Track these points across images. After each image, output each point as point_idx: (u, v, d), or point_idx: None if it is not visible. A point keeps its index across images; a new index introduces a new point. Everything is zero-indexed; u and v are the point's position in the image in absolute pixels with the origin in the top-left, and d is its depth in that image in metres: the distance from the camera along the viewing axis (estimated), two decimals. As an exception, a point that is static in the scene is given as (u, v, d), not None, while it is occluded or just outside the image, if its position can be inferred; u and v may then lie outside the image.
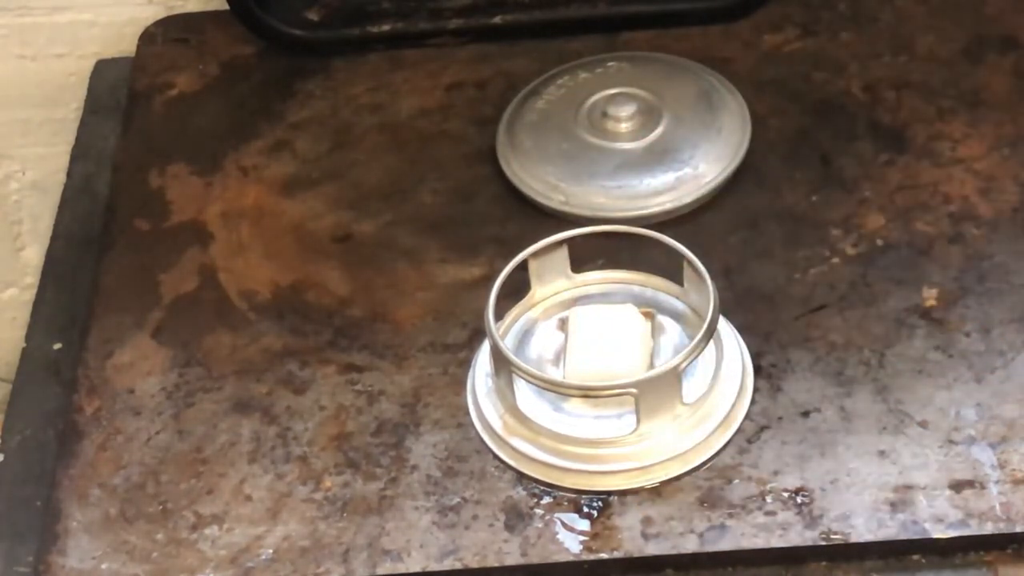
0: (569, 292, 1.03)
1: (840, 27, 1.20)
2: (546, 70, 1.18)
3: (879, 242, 1.05)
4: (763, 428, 0.96)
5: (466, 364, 1.01)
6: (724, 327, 0.99)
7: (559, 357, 0.98)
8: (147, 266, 1.10)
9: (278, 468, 0.97)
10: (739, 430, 0.95)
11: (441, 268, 1.07)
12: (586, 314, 0.99)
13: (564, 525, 0.93)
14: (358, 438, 0.98)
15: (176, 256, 1.11)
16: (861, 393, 0.97)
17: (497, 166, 1.13)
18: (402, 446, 0.97)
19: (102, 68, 1.32)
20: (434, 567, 0.92)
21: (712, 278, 0.96)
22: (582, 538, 0.92)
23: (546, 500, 0.94)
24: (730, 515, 0.92)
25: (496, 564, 0.91)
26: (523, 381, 0.95)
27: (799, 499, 0.92)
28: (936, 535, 0.90)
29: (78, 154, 1.25)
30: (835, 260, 1.04)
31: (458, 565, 0.91)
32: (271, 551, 0.93)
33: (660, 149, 1.11)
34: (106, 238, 1.13)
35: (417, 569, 0.92)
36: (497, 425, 0.97)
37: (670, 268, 1.01)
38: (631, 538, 0.92)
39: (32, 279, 1.39)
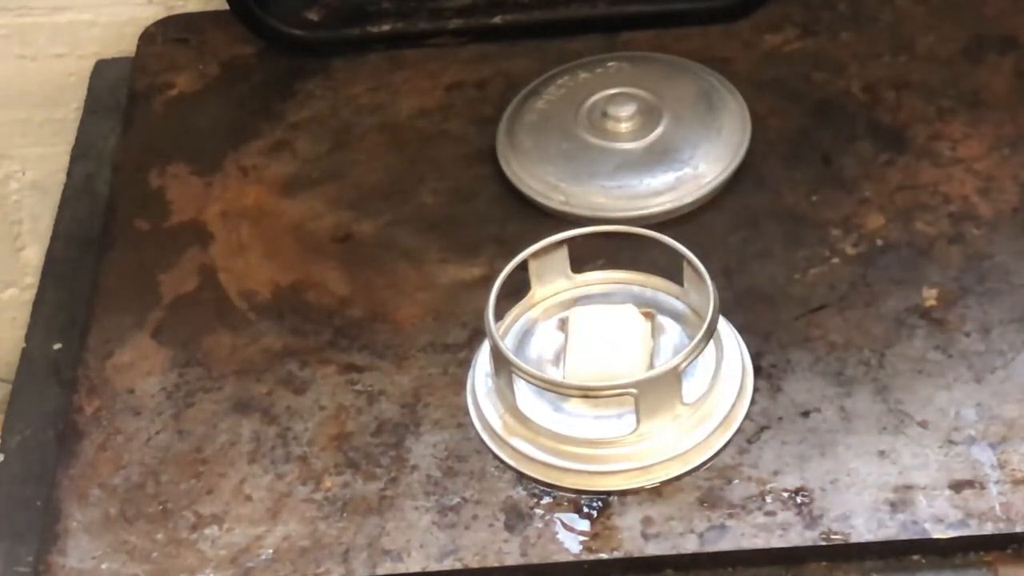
0: (569, 292, 1.03)
1: (840, 27, 1.20)
2: (546, 70, 1.18)
3: (879, 242, 1.05)
4: (763, 428, 0.96)
5: (466, 364, 1.01)
6: (724, 327, 0.99)
7: (559, 357, 0.98)
8: (147, 266, 1.10)
9: (278, 468, 0.97)
10: (739, 430, 0.95)
11: (441, 268, 1.07)
12: (586, 314, 0.99)
13: (564, 525, 0.93)
14: (358, 438, 0.98)
15: (176, 256, 1.11)
16: (861, 393, 0.97)
17: (497, 166, 1.13)
18: (402, 446, 0.97)
19: (102, 68, 1.32)
20: (434, 567, 0.92)
21: (712, 278, 0.96)
22: (582, 538, 0.92)
23: (546, 500, 0.94)
24: (730, 515, 0.92)
25: (496, 564, 0.91)
26: (523, 381, 0.95)
27: (799, 499, 0.92)
28: (936, 535, 0.90)
29: (78, 154, 1.25)
30: (835, 260, 1.04)
31: (458, 565, 0.92)
32: (271, 551, 0.93)
33: (660, 149, 1.11)
34: (106, 238, 1.13)
35: (417, 569, 0.92)
36: (497, 425, 0.97)
37: (670, 268, 1.01)
38: (631, 538, 0.92)
39: (32, 279, 1.39)
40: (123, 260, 1.11)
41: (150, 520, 0.96)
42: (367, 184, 1.14)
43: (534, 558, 0.91)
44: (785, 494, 0.92)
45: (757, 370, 0.98)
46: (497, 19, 1.23)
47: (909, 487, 0.92)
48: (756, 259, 1.05)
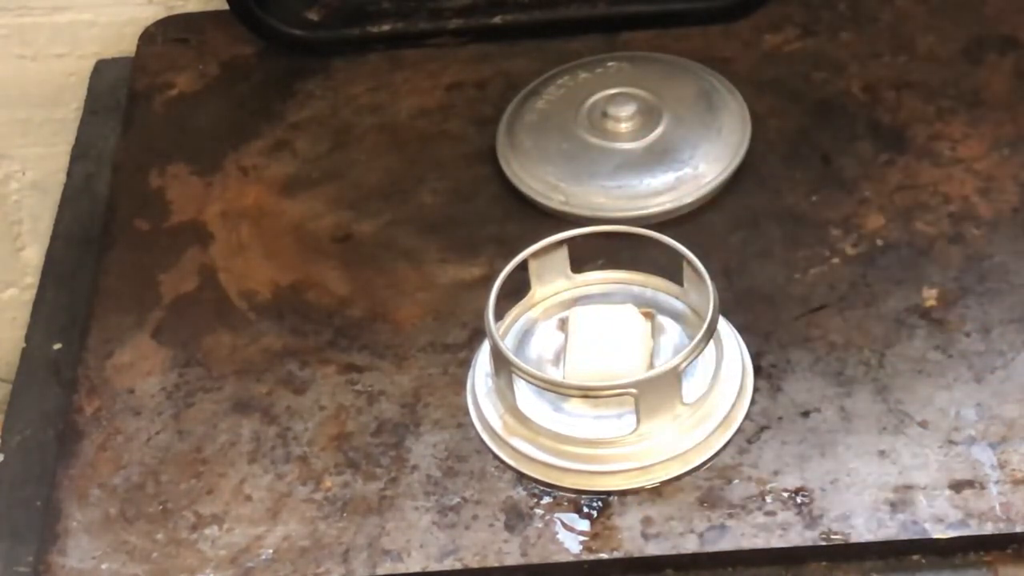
0: (569, 292, 1.03)
1: (840, 27, 1.20)
2: (546, 70, 1.18)
3: (879, 242, 1.05)
4: (763, 428, 0.96)
5: (466, 364, 1.01)
6: (724, 327, 0.99)
7: (559, 357, 0.98)
8: (147, 266, 1.10)
9: (278, 468, 0.97)
10: (739, 430, 0.95)
11: (441, 268, 1.07)
12: (586, 314, 0.99)
13: (564, 525, 0.93)
14: (358, 438, 0.98)
15: (176, 256, 1.11)
16: (861, 393, 0.97)
17: (497, 166, 1.13)
18: (402, 446, 0.97)
19: (102, 68, 1.32)
20: (434, 567, 0.92)
21: (712, 278, 0.96)
22: (582, 538, 0.92)
23: (546, 500, 0.94)
24: (730, 515, 0.92)
25: (496, 564, 0.91)
26: (523, 381, 0.95)
27: (799, 499, 0.92)
28: (936, 535, 0.90)
29: (78, 154, 1.25)
30: (835, 260, 1.04)
31: (458, 565, 0.91)
32: (271, 551, 0.93)
33: (660, 149, 1.11)
34: (106, 238, 1.13)
35: (417, 569, 0.92)
36: (497, 425, 0.97)
37: (670, 268, 1.01)
38: (631, 538, 0.92)
39: (32, 279, 1.39)
40: (123, 260, 1.11)
41: (150, 520, 0.96)
42: (367, 184, 1.14)
43: (534, 558, 0.91)
44: (785, 494, 0.92)
45: (757, 370, 0.98)
46: (497, 19, 1.23)
47: (909, 487, 0.92)
48: (756, 259, 1.05)
